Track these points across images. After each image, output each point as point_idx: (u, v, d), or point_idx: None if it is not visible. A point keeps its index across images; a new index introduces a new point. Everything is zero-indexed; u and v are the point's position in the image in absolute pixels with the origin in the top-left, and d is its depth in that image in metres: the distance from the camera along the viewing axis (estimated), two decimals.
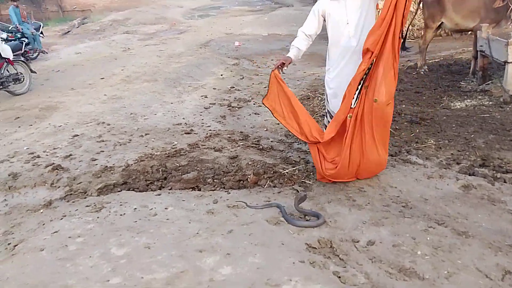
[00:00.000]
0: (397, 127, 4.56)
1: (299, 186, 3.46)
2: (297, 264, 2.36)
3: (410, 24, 8.19)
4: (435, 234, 2.63)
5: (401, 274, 2.28)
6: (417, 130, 4.43)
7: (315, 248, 2.55)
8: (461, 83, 6.03)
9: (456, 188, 3.24)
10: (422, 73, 6.77)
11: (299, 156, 4.09)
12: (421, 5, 6.98)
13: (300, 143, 4.45)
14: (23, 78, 7.36)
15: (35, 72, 7.82)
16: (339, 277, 2.26)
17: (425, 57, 6.93)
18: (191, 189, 3.54)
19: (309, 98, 6.09)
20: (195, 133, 4.93)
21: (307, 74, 7.80)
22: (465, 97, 5.43)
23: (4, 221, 3.17)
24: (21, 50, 8.64)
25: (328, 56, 3.58)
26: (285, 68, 3.43)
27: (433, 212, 2.93)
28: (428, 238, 2.60)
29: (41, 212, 3.25)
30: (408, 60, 7.92)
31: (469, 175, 3.41)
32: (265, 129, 5.09)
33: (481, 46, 5.60)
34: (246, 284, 2.21)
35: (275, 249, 2.53)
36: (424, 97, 5.61)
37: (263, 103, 3.47)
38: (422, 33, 6.97)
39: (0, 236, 2.92)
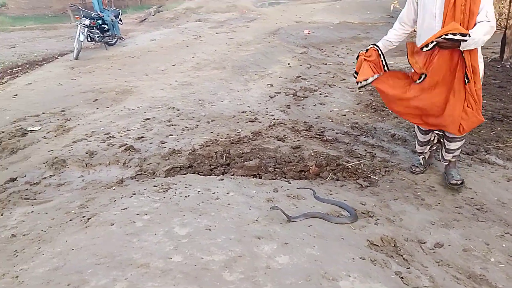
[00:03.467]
0: None
1: (364, 180, 3.34)
2: (357, 260, 2.29)
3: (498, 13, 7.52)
4: None
5: (470, 281, 2.13)
6: (498, 128, 4.07)
7: (377, 245, 2.46)
8: None
9: None
10: (508, 66, 6.20)
11: (365, 150, 3.95)
12: None
13: (367, 136, 4.29)
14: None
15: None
16: (402, 277, 2.16)
17: None
18: (252, 176, 3.57)
19: None
20: (259, 122, 4.95)
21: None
22: None
23: (80, 195, 3.43)
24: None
25: None
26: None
27: (511, 217, 2.69)
28: (504, 245, 2.40)
29: (113, 189, 3.46)
30: (492, 52, 7.29)
31: None
32: (330, 120, 4.98)
33: None
34: (302, 275, 2.19)
35: (334, 242, 2.48)
36: (508, 93, 5.15)
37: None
38: (511, 22, 6.36)
39: (76, 209, 3.16)
